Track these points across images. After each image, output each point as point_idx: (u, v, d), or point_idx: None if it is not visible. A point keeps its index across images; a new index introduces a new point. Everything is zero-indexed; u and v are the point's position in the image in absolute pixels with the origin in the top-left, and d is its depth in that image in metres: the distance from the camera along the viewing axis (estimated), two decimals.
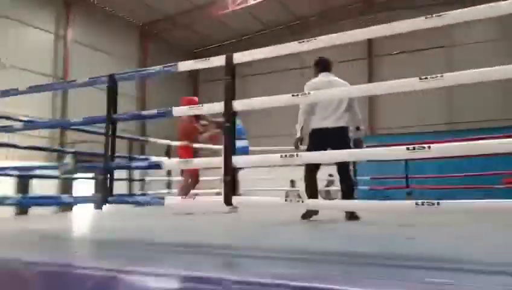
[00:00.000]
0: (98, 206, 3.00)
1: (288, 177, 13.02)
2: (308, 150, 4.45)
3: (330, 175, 12.48)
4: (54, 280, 2.00)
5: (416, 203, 2.16)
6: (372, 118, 18.23)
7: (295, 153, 2.52)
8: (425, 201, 2.15)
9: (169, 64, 3.01)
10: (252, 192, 8.73)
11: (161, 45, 20.17)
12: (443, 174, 9.01)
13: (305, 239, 3.27)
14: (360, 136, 4.63)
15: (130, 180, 6.97)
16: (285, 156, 2.54)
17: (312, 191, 4.57)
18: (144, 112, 3.07)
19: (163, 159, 3.05)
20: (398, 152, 2.43)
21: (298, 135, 4.57)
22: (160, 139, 7.24)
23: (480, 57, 16.66)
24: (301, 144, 4.64)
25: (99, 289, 1.90)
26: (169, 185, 7.46)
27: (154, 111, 3.05)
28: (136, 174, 13.36)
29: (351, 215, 4.32)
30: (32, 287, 2.05)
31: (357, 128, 4.63)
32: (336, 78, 4.56)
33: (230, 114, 2.75)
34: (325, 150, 4.20)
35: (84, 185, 13.21)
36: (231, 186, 2.71)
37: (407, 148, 2.26)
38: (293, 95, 2.55)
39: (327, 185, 12.03)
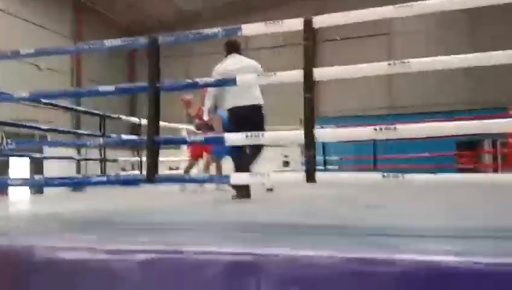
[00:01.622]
0: (146, 182, 2.60)
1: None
2: (232, 129, 4.38)
3: (285, 156, 12.55)
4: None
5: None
6: (317, 102, 18.55)
7: (392, 126, 2.36)
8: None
9: (233, 27, 2.69)
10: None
11: (97, 20, 18.79)
12: (406, 153, 9.38)
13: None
14: None
15: (104, 160, 6.38)
16: (380, 129, 2.39)
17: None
18: (199, 80, 2.71)
19: (224, 134, 2.71)
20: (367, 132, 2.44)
21: (206, 116, 4.57)
22: (132, 117, 6.69)
23: (417, 44, 17.66)
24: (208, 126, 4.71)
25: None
26: (140, 166, 6.96)
27: (210, 79, 2.73)
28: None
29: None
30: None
31: None
32: (244, 58, 4.63)
33: (311, 83, 2.52)
34: (246, 128, 4.11)
35: (21, 166, 12.12)
36: (314, 162, 2.51)
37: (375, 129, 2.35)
38: (389, 64, 2.38)
39: (283, 166, 12.06)
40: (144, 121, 7.51)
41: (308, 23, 2.55)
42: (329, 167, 8.64)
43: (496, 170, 11.50)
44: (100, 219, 2.83)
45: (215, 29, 2.76)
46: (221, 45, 4.70)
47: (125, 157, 7.35)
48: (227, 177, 2.62)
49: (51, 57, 14.12)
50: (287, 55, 18.08)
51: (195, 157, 6.20)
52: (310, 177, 2.48)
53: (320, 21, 2.56)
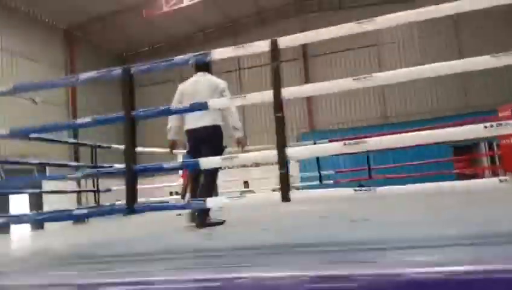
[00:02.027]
0: (127, 213, 2.63)
1: (241, 179, 12.93)
2: (187, 152, 4.33)
3: None
4: None
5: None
6: (311, 115, 18.65)
7: (361, 141, 2.39)
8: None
9: (202, 52, 2.74)
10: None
11: (89, 49, 18.99)
12: (402, 162, 9.36)
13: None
14: (238, 135, 4.28)
15: (97, 191, 6.40)
16: (350, 143, 2.41)
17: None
18: (175, 107, 2.76)
19: (200, 158, 2.72)
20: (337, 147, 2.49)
21: (169, 137, 4.44)
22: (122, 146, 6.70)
23: (406, 52, 17.80)
24: (174, 148, 4.53)
25: None
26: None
27: (182, 105, 2.76)
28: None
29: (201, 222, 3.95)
30: None
31: (234, 128, 4.28)
32: (204, 78, 4.34)
33: (280, 102, 2.56)
34: (199, 151, 4.01)
35: (20, 201, 12.12)
36: (287, 181, 2.52)
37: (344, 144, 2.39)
38: (354, 79, 2.42)
39: None
40: (140, 149, 7.57)
41: (274, 44, 2.60)
42: (325, 181, 8.63)
43: (495, 173, 11.46)
44: (82, 253, 2.84)
45: (185, 56, 2.81)
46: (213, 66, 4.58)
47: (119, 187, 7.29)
48: (204, 201, 2.64)
49: (46, 89, 14.26)
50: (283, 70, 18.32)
51: (185, 178, 6.27)
52: (285, 197, 2.50)
53: (284, 42, 2.60)
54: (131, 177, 2.78)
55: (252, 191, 12.11)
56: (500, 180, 2.19)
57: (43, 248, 3.44)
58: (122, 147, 6.94)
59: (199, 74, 4.36)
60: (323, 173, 9.21)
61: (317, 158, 8.61)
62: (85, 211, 2.85)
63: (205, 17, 19.09)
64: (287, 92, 2.58)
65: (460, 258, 1.74)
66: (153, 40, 20.37)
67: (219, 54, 2.73)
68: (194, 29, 20.10)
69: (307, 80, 18.49)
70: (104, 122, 2.96)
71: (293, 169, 13.63)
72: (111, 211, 2.78)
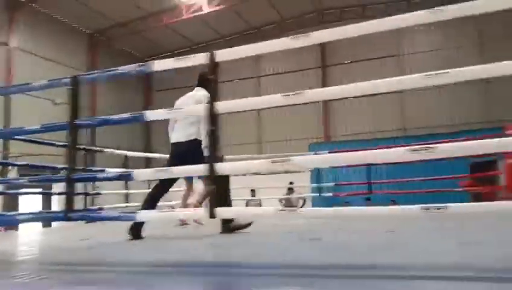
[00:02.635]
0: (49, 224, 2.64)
1: (248, 187, 12.87)
2: (168, 165, 4.19)
3: (291, 183, 12.40)
4: None
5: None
6: (328, 125, 18.46)
7: (287, 158, 2.31)
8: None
9: (141, 64, 2.73)
10: None
11: (111, 54, 19.44)
12: (404, 178, 9.13)
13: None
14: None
15: (86, 194, 6.48)
16: (276, 161, 2.34)
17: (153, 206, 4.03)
18: (113, 117, 2.76)
19: (133, 170, 2.71)
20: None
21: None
22: (116, 150, 6.78)
23: (426, 64, 17.38)
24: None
25: None
26: (127, 199, 7.04)
27: (125, 115, 2.76)
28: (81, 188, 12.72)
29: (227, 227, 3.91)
30: None
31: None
32: (195, 92, 4.37)
33: (213, 117, 2.51)
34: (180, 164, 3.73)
35: (31, 201, 12.45)
36: (216, 197, 2.47)
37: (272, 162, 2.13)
38: (283, 96, 2.35)
39: (288, 193, 11.89)
40: (130, 154, 7.64)
41: (211, 58, 2.56)
42: (324, 193, 8.49)
43: None
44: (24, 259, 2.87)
45: (129, 66, 2.81)
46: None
47: (108, 191, 7.37)
48: (135, 214, 2.62)
49: (67, 91, 14.66)
50: (301, 78, 18.45)
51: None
52: (211, 214, 2.44)
53: (222, 55, 2.57)
54: (70, 185, 2.79)
55: (257, 201, 12.04)
56: (422, 208, 2.06)
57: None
58: (116, 151, 7.06)
59: (196, 88, 4.44)
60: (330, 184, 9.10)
61: (318, 170, 8.49)
62: (30, 215, 2.87)
63: (226, 24, 19.26)
64: (221, 107, 2.53)
65: None
66: (174, 46, 20.63)
67: (159, 65, 2.72)
68: (215, 36, 20.29)
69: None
70: (51, 129, 2.99)
71: (305, 179, 13.49)
72: (50, 218, 2.79)
